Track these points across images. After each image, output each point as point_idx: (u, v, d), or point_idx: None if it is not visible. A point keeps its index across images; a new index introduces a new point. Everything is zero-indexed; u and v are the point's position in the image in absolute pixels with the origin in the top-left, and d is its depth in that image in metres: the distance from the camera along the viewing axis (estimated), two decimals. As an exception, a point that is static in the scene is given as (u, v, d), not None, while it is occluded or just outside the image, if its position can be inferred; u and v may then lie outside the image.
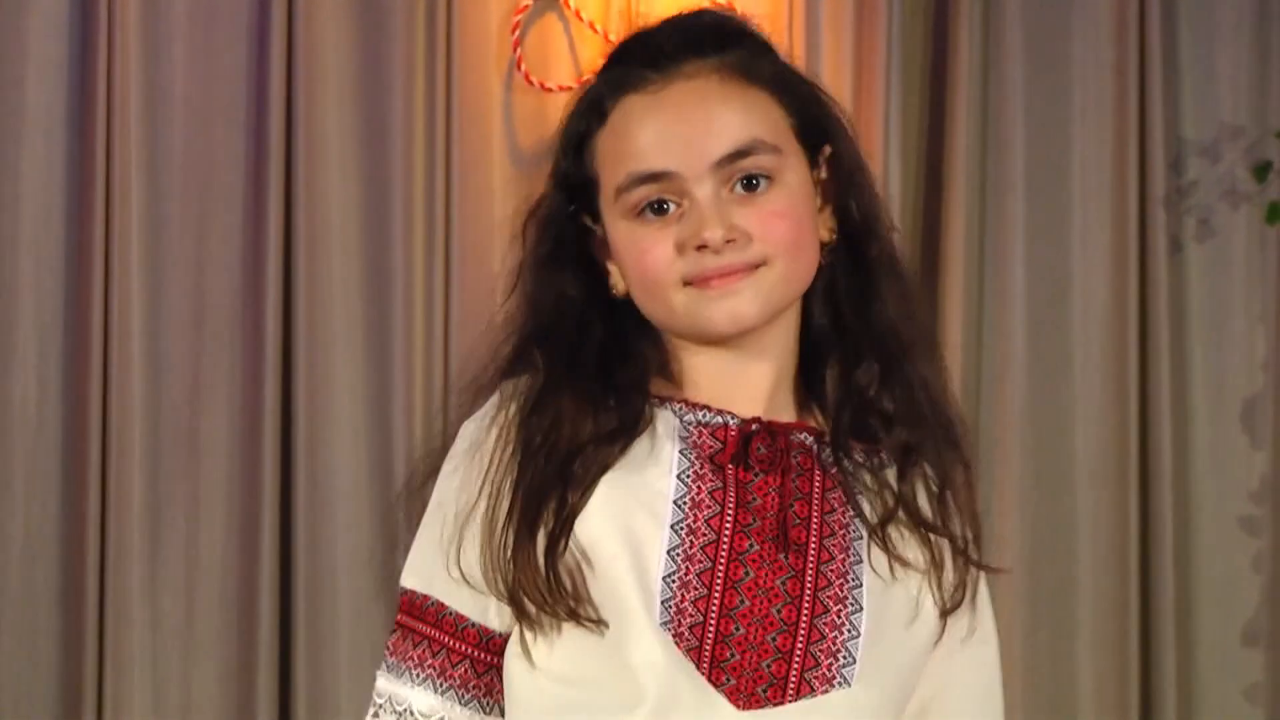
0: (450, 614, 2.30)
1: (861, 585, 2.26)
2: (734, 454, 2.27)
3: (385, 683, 2.33)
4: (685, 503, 2.26)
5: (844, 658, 2.25)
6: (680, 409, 2.29)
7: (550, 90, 4.79)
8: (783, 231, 2.22)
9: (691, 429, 2.29)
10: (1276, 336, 5.04)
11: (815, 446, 2.30)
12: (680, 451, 2.28)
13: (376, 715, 2.34)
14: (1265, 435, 5.00)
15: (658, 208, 2.23)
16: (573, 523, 2.25)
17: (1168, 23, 4.99)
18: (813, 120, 2.29)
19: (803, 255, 2.26)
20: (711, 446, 2.28)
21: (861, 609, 2.26)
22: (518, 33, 4.83)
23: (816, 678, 2.24)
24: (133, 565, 4.74)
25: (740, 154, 2.21)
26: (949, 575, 2.29)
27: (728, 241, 2.20)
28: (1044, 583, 4.96)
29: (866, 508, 2.29)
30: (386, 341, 4.87)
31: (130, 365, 4.76)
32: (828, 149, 2.29)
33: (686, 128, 2.22)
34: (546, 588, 2.22)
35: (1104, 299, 4.96)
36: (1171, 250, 4.99)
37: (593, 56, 4.83)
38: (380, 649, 2.38)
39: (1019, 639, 4.93)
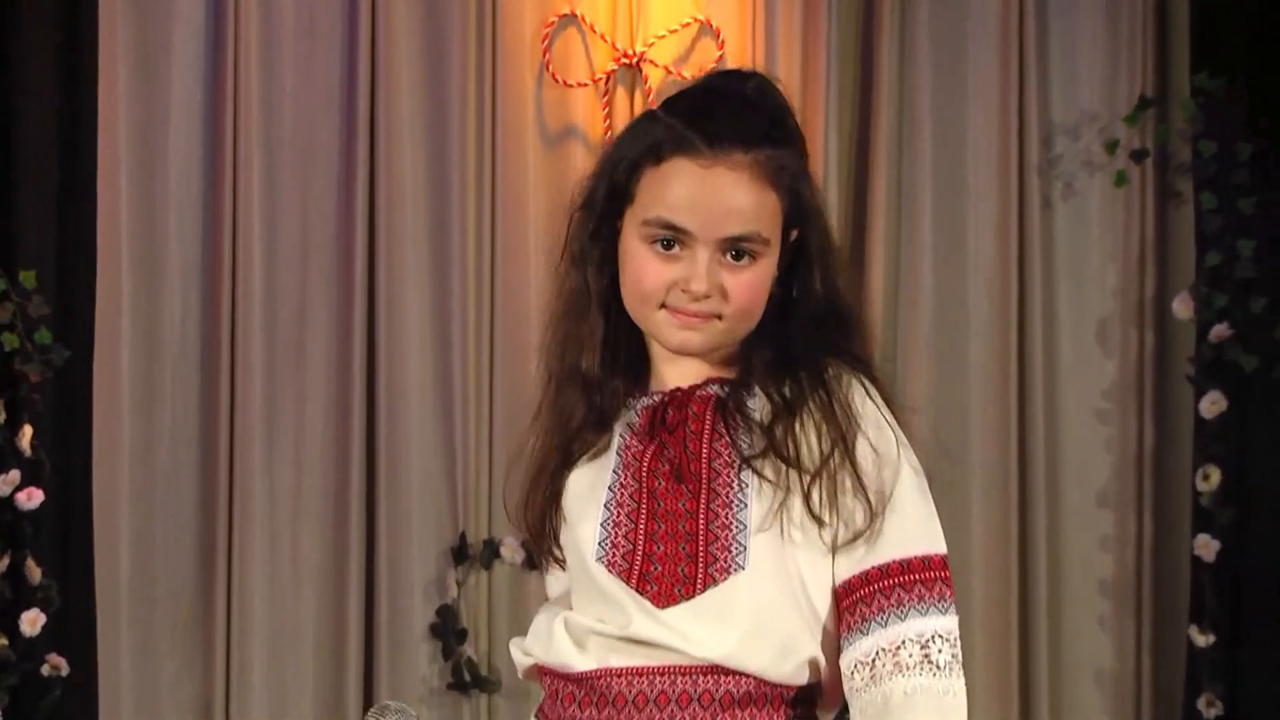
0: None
1: (746, 489, 2.37)
2: (646, 428, 2.43)
3: None
4: (619, 469, 2.43)
5: (736, 548, 2.36)
6: (631, 402, 2.46)
7: (570, 86, 4.96)
8: (745, 300, 2.36)
9: (637, 413, 2.44)
10: (1122, 272, 5.15)
11: (715, 393, 2.44)
12: (620, 435, 2.44)
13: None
14: (1114, 348, 5.14)
15: (666, 244, 2.35)
16: (562, 486, 2.45)
17: (1040, 34, 5.11)
18: (797, 216, 2.40)
19: (750, 318, 2.40)
20: (643, 419, 2.43)
21: (745, 507, 2.37)
22: (546, 41, 5.02)
23: (717, 570, 2.36)
24: (254, 447, 4.98)
25: (742, 239, 2.34)
26: (815, 493, 2.34)
27: (706, 296, 2.35)
28: (944, 462, 4.79)
29: (744, 443, 2.38)
30: (447, 273, 5.01)
31: (252, 293, 4.98)
32: (795, 234, 2.39)
33: (714, 205, 2.34)
34: (539, 534, 2.46)
35: (992, 244, 5.12)
36: (1043, 206, 5.15)
37: (602, 60, 5.00)
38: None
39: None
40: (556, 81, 4.97)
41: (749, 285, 2.35)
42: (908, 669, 2.34)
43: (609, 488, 2.42)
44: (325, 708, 5.03)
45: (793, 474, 2.34)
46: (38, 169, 4.87)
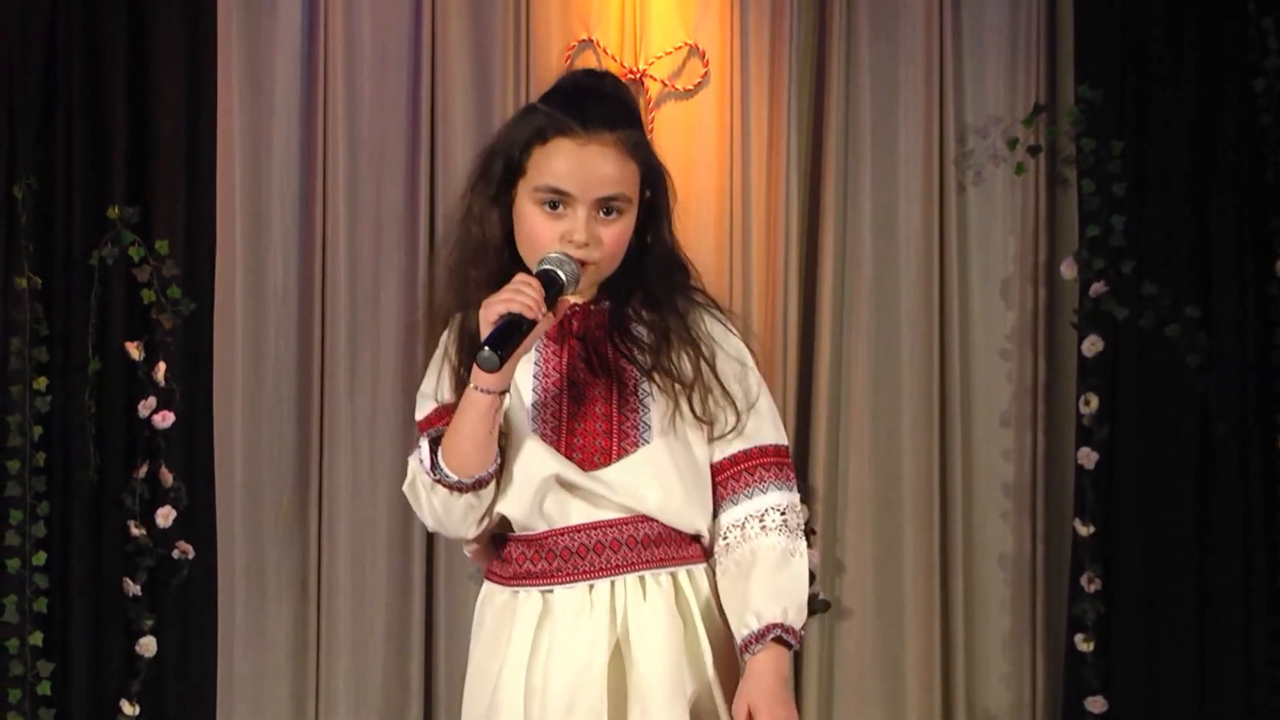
0: (436, 411, 2.59)
1: (650, 388, 2.57)
2: (557, 334, 2.58)
3: (411, 459, 2.58)
4: (541, 362, 2.58)
5: (642, 428, 2.55)
6: None
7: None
8: (614, 247, 2.54)
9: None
10: (1020, 242, 5.28)
11: (609, 308, 2.61)
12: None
13: (411, 483, 2.57)
14: (1014, 301, 5.28)
15: (553, 205, 2.52)
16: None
17: (956, 55, 5.27)
18: (648, 181, 2.59)
19: (615, 259, 2.56)
20: (555, 328, 2.57)
21: (650, 394, 2.56)
22: (569, 60, 5.17)
23: (628, 443, 2.54)
24: (339, 378, 5.17)
25: (610, 198, 2.52)
26: (695, 397, 2.56)
27: (585, 244, 2.52)
28: (880, 389, 5.28)
29: (639, 360, 2.58)
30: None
31: (338, 257, 5.16)
32: (648, 193, 2.59)
33: (590, 174, 2.51)
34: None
35: (919, 220, 5.27)
36: (958, 191, 5.29)
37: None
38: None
39: (867, 420, 5.24)
40: (577, 94, 5.16)
41: (617, 235, 2.55)
42: (771, 530, 2.57)
43: (534, 375, 2.56)
44: (396, 581, 5.15)
45: (676, 386, 2.55)
46: (170, 162, 5.06)
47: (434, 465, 2.51)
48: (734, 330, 2.62)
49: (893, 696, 5.26)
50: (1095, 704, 5.12)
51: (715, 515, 2.60)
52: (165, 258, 5.03)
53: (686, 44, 5.21)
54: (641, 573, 2.53)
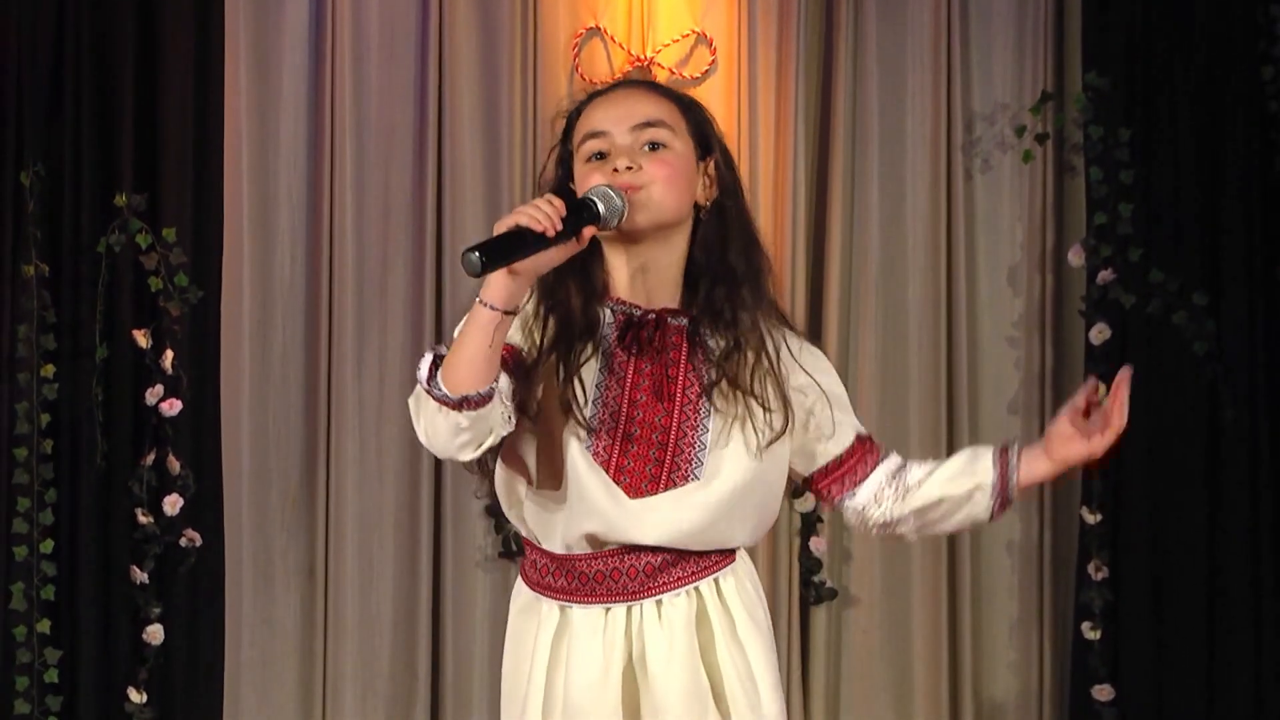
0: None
1: (710, 415, 2.51)
2: (629, 343, 2.53)
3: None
4: (605, 371, 2.51)
5: (694, 462, 2.50)
6: (613, 304, 2.53)
7: (595, 83, 4.85)
8: (662, 171, 2.49)
9: (617, 316, 2.52)
10: (1028, 229, 5.24)
11: (687, 325, 2.54)
12: (605, 337, 2.52)
13: (416, 394, 2.43)
14: (1022, 289, 5.25)
15: (599, 156, 2.50)
16: (579, 362, 2.47)
17: (964, 43, 5.26)
18: (703, 135, 2.56)
19: (674, 188, 2.49)
20: (629, 337, 2.51)
21: (708, 430, 2.50)
22: (576, 48, 5.19)
23: (678, 475, 2.49)
24: (347, 366, 5.16)
25: (647, 124, 2.50)
26: (759, 415, 2.51)
27: (628, 168, 2.47)
28: (888, 377, 5.25)
29: (706, 373, 2.52)
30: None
31: (345, 245, 5.16)
32: (711, 159, 2.57)
33: (621, 105, 2.53)
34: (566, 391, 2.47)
35: (926, 207, 5.26)
36: (966, 178, 5.27)
37: (620, 62, 5.12)
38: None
39: (875, 398, 5.21)
40: (584, 80, 5.08)
41: (665, 162, 2.50)
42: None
43: (596, 385, 2.52)
44: (403, 568, 5.15)
45: (747, 399, 2.51)
46: (178, 149, 5.06)
47: (430, 376, 2.42)
48: (809, 348, 2.61)
49: (900, 684, 5.25)
50: (1102, 692, 5.10)
51: (838, 504, 2.63)
52: (173, 245, 5.03)
53: (694, 31, 5.21)
54: (659, 596, 2.52)
